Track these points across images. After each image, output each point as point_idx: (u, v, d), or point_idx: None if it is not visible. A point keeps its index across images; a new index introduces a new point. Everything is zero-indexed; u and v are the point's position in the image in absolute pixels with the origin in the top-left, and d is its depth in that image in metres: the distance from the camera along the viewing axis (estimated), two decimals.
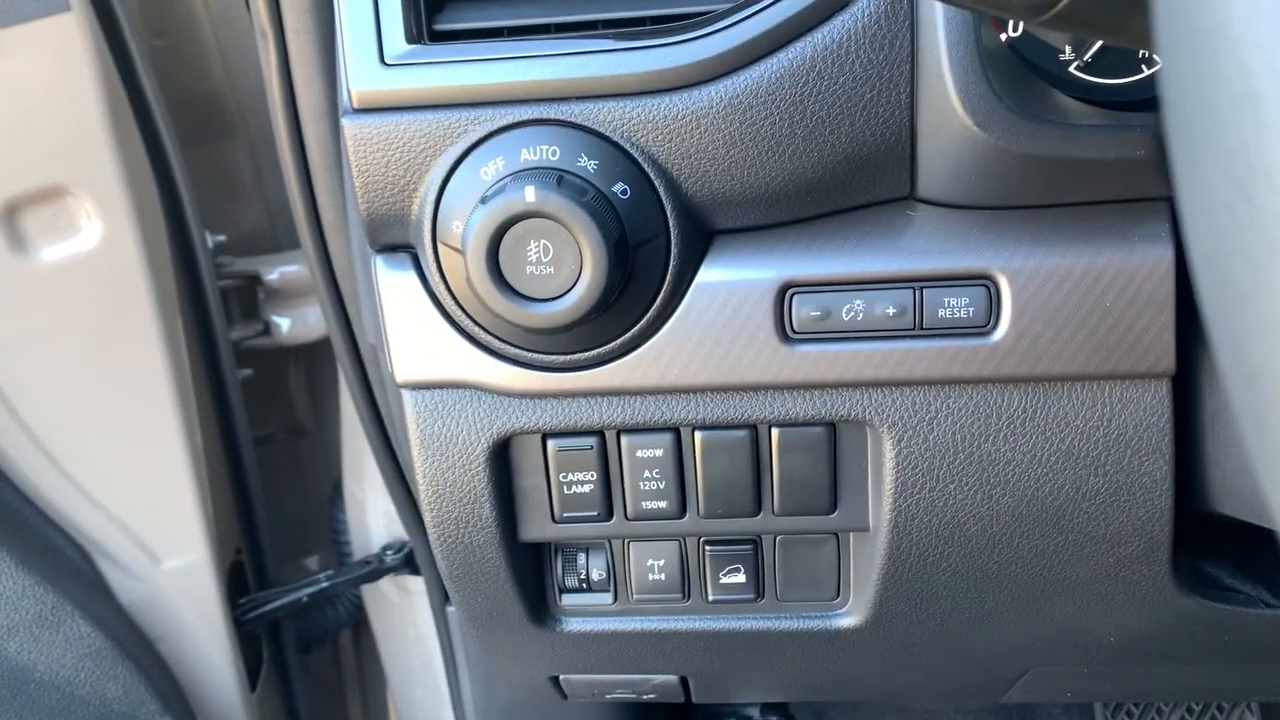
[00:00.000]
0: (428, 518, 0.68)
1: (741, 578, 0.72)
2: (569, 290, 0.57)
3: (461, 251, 0.57)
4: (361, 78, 0.58)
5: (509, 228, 0.56)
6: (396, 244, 0.63)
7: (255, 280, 1.14)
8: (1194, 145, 0.22)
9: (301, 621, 1.27)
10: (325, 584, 1.17)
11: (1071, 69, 0.59)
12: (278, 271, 1.12)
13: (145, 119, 0.90)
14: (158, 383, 0.96)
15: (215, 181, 1.12)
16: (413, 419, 0.65)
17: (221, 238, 1.10)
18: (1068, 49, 0.59)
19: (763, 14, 0.55)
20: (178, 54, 1.02)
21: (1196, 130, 0.22)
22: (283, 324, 1.15)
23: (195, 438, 1.01)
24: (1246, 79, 0.19)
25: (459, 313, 0.62)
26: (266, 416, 1.27)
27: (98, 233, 0.89)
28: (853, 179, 0.59)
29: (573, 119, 0.57)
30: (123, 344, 0.94)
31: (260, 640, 1.21)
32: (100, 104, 0.85)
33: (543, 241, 0.56)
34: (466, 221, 0.57)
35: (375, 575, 1.18)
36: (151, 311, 0.93)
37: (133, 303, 0.92)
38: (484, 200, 0.56)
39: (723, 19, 0.56)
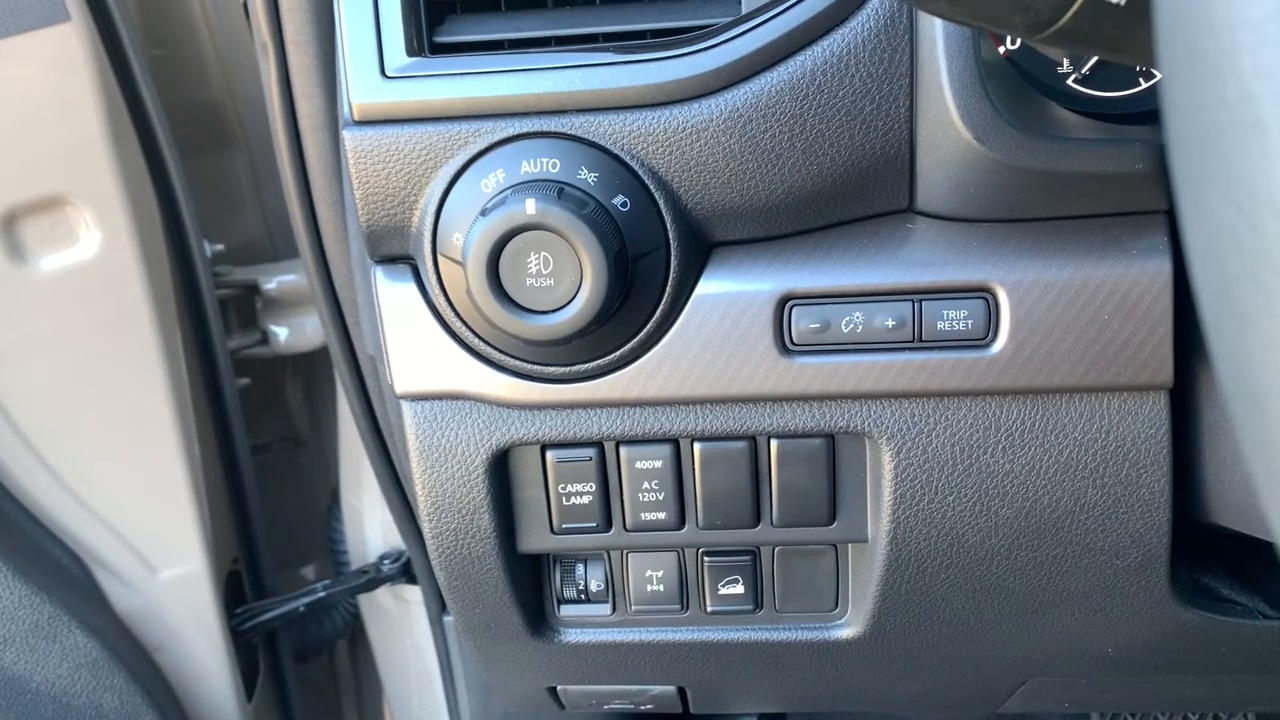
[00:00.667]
0: (426, 529, 0.68)
1: (740, 589, 0.72)
2: (569, 302, 0.57)
3: (462, 263, 0.58)
4: (362, 90, 0.58)
5: (509, 240, 0.56)
6: (396, 255, 0.63)
7: (253, 289, 1.14)
8: (1198, 170, 0.22)
9: (298, 631, 1.27)
10: (322, 594, 1.17)
11: (1069, 82, 0.59)
12: (276, 281, 1.12)
13: (144, 129, 0.90)
14: (155, 392, 0.96)
15: (214, 191, 1.12)
16: (412, 430, 0.65)
17: (220, 247, 1.10)
18: (1065, 62, 0.59)
19: (763, 28, 0.55)
20: (177, 63, 1.02)
21: (1200, 155, 0.22)
22: (280, 333, 1.15)
23: (193, 447, 1.01)
24: (1252, 107, 0.20)
25: (459, 324, 0.62)
26: (264, 426, 1.27)
27: (96, 242, 0.89)
28: (852, 192, 0.59)
29: (573, 132, 0.57)
30: (121, 353, 0.94)
31: (257, 650, 1.20)
32: (99, 114, 0.85)
33: (543, 254, 0.56)
34: (467, 234, 0.57)
35: (372, 585, 1.18)
36: (150, 321, 0.93)
37: (131, 312, 0.92)
38: (484, 212, 0.56)
39: (723, 33, 0.56)
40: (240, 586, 1.16)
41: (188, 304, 1.00)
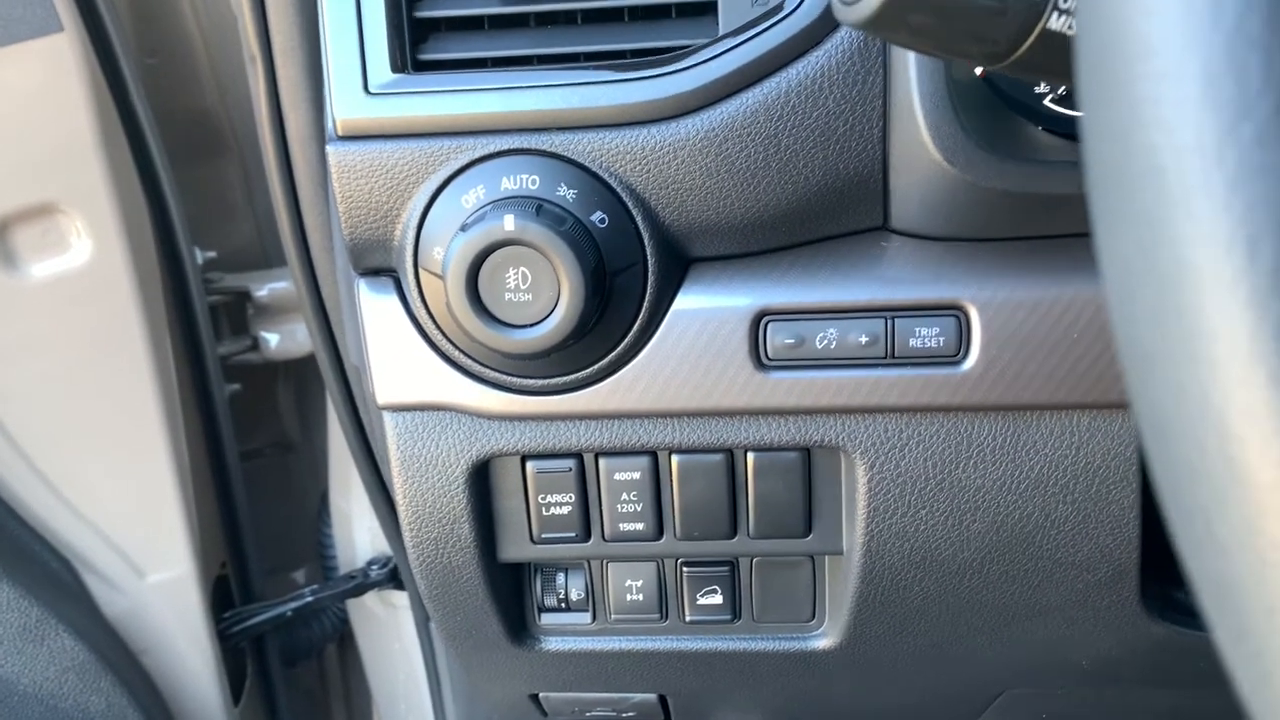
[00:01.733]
0: (407, 538, 0.69)
1: (719, 599, 0.73)
2: (547, 317, 0.58)
3: (442, 277, 0.58)
4: (346, 106, 0.59)
5: (488, 255, 0.57)
6: (379, 268, 0.64)
7: (245, 296, 1.14)
8: (1109, 211, 0.23)
9: (287, 635, 1.28)
10: (310, 599, 1.17)
11: (1046, 102, 0.60)
12: (267, 288, 1.13)
13: (136, 138, 0.91)
14: (145, 398, 0.97)
15: (207, 198, 1.13)
16: (394, 440, 0.66)
17: (212, 254, 1.11)
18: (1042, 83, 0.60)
19: (739, 49, 0.56)
20: (171, 72, 1.03)
21: (1111, 198, 0.23)
22: (271, 339, 1.16)
23: (182, 452, 1.02)
24: (1154, 155, 0.21)
25: (439, 336, 0.62)
26: (255, 431, 1.27)
27: (87, 250, 0.90)
28: (827, 210, 0.60)
29: (553, 149, 0.58)
30: (111, 359, 0.95)
31: (245, 654, 1.21)
32: (92, 123, 0.86)
33: (521, 269, 0.57)
34: (447, 248, 0.58)
35: (360, 590, 1.19)
36: (139, 328, 0.94)
37: (121, 319, 0.93)
38: (464, 228, 0.57)
39: (700, 53, 0.57)
40: (229, 591, 1.17)
41: (178, 311, 1.01)
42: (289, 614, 1.17)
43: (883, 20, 0.37)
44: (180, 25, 1.02)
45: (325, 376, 0.84)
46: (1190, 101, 0.20)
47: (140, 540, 1.03)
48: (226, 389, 1.12)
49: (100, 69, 0.86)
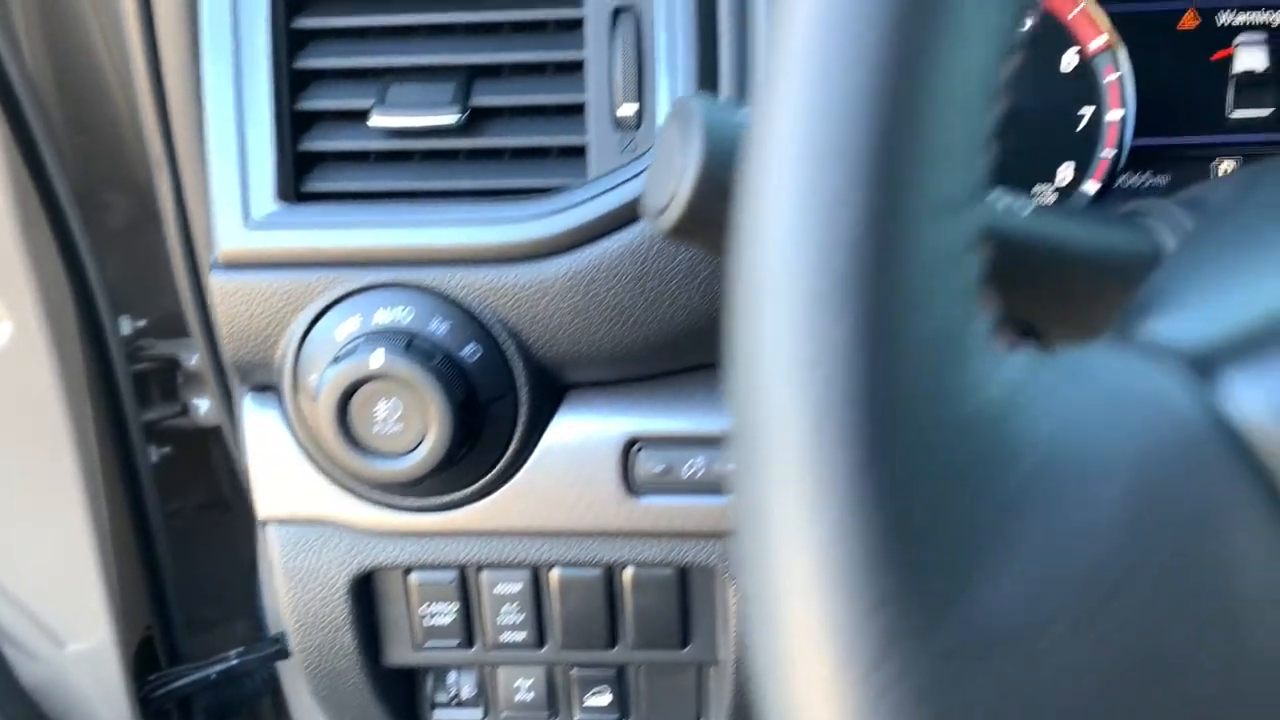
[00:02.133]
0: (293, 644, 0.70)
1: (608, 699, 0.74)
2: (415, 447, 0.59)
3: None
4: (228, 236, 0.60)
5: (359, 386, 0.59)
6: (265, 384, 0.65)
7: (174, 363, 1.15)
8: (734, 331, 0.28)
9: (213, 695, 1.28)
10: (235, 661, 1.18)
11: None
12: (196, 356, 1.14)
13: (57, 219, 0.92)
14: (64, 469, 0.98)
15: (141, 266, 1.14)
16: (277, 552, 0.67)
17: (142, 322, 1.12)
18: None
19: (607, 195, 0.58)
20: (100, 149, 1.05)
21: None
22: (201, 406, 1.16)
23: (102, 520, 1.02)
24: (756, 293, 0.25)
25: (320, 455, 0.64)
26: (190, 490, 1.28)
27: (7, 332, 0.91)
28: (695, 343, 0.62)
29: (427, 284, 0.60)
30: (30, 433, 0.96)
31: (170, 715, 1.21)
32: (11, 210, 0.87)
33: (393, 399, 0.59)
34: (320, 377, 0.59)
35: (284, 654, 1.19)
36: (60, 402, 0.95)
37: (41, 395, 0.94)
38: (336, 360, 0.59)
39: (570, 196, 0.59)
40: (154, 654, 1.18)
41: (100, 383, 1.02)
42: (214, 677, 1.18)
43: (679, 234, 0.39)
44: (109, 105, 1.03)
45: (235, 459, 0.85)
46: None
47: (60, 609, 1.04)
48: (154, 453, 1.13)
49: (20, 155, 0.88)
